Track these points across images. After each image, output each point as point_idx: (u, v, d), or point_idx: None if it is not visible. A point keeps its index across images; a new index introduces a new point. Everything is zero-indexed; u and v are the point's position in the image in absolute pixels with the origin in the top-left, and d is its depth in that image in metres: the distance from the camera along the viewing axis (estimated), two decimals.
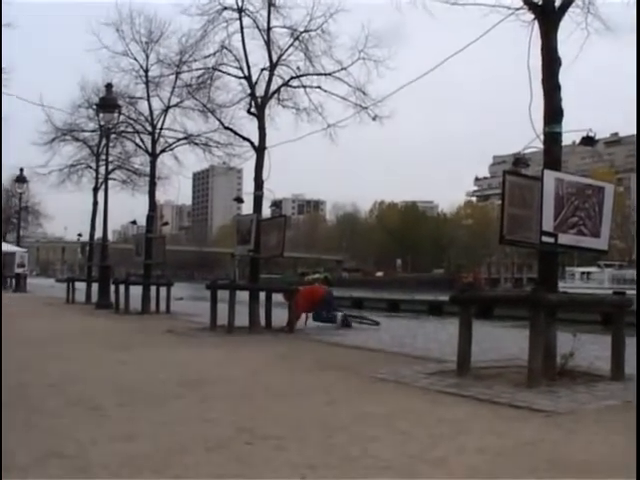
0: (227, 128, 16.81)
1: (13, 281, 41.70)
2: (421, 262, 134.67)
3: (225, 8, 15.13)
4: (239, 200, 20.09)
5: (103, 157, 24.96)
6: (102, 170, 25.59)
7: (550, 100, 7.75)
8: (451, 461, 4.38)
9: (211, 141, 19.89)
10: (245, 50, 15.09)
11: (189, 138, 20.48)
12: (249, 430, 5.10)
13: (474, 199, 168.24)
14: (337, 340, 12.25)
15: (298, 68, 15.42)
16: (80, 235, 34.41)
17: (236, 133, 16.61)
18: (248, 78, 15.18)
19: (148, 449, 4.59)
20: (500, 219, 7.79)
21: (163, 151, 21.26)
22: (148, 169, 22.33)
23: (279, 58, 15.28)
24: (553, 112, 7.76)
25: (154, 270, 22.85)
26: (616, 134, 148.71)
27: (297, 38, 15.32)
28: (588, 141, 8.12)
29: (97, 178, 26.99)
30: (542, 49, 7.81)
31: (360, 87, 15.30)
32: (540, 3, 7.91)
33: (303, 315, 15.04)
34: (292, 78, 15.47)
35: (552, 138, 7.80)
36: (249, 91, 15.27)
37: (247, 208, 16.89)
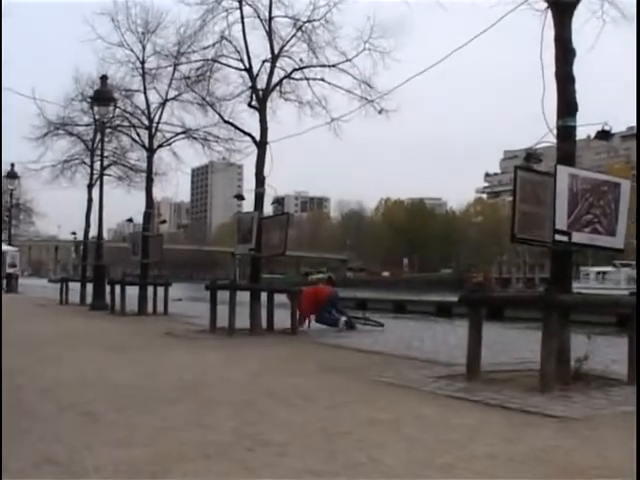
0: (227, 122, 16.83)
1: (4, 282, 41.76)
2: (429, 261, 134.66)
3: None
4: (240, 197, 20.12)
5: (98, 152, 24.99)
6: (97, 166, 25.63)
7: (564, 92, 7.73)
8: (459, 468, 4.38)
9: (210, 136, 19.92)
10: (246, 41, 15.10)
11: (187, 132, 20.49)
12: (250, 436, 5.10)
13: (484, 196, 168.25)
14: (341, 342, 12.25)
15: (301, 60, 15.43)
16: (74, 233, 34.55)
17: (236, 127, 16.62)
18: (249, 70, 15.18)
19: (145, 455, 4.59)
20: (511, 217, 7.77)
21: (160, 146, 21.28)
22: (145, 165, 22.37)
23: (281, 49, 15.27)
24: (567, 105, 7.74)
25: (151, 270, 22.90)
26: (632, 128, 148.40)
27: (300, 28, 15.31)
28: (603, 135, 8.10)
29: (92, 174, 27.00)
30: (555, 39, 7.78)
31: (365, 79, 15.32)
32: None
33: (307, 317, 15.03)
34: (295, 70, 15.47)
35: (566, 132, 7.77)
36: (250, 84, 15.26)
37: (248, 205, 16.96)
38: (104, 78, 21.49)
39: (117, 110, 22.40)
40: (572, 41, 7.78)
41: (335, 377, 8.16)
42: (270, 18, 15.12)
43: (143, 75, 20.36)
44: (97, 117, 23.16)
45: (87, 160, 27.38)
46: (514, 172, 7.84)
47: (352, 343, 12.13)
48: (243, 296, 14.54)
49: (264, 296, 14.52)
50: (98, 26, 20.06)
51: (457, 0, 8.51)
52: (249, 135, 15.53)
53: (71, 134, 26.67)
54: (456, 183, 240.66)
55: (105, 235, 26.30)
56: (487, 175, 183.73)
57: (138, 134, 21.97)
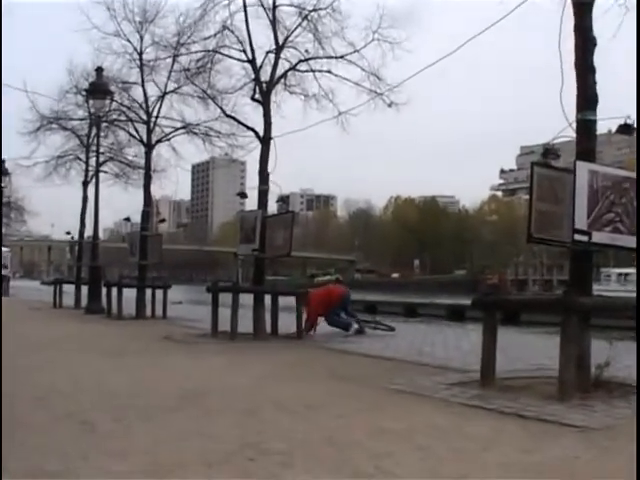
0: (229, 116, 16.84)
1: None
2: (441, 262, 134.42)
3: None
4: (242, 195, 20.14)
5: (93, 148, 25.02)
6: (92, 162, 25.67)
7: (583, 84, 7.71)
8: (472, 478, 4.39)
9: (212, 130, 19.90)
10: (249, 31, 15.08)
11: (187, 127, 20.49)
12: (253, 445, 5.11)
13: (499, 193, 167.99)
14: (349, 348, 12.25)
15: (307, 51, 15.42)
16: (68, 233, 34.65)
17: (239, 122, 16.62)
18: (252, 62, 15.17)
19: (144, 465, 4.61)
20: (528, 215, 7.76)
21: (159, 141, 21.28)
22: (143, 161, 22.36)
23: (286, 40, 15.27)
24: (586, 98, 7.72)
25: (149, 271, 22.89)
26: None
27: (305, 17, 15.30)
28: (625, 129, 8.09)
29: (87, 171, 27.04)
30: (575, 28, 7.76)
31: (374, 71, 15.31)
32: None
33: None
34: (300, 61, 15.46)
35: (585, 126, 7.76)
36: (253, 76, 15.26)
37: (251, 204, 16.97)
38: (100, 70, 21.50)
39: (113, 104, 22.38)
40: (592, 30, 7.76)
41: (343, 384, 8.17)
42: (274, 6, 15.12)
43: (141, 67, 20.35)
44: (92, 111, 23.13)
45: (82, 156, 27.42)
46: (531, 168, 7.83)
47: (361, 348, 12.13)
48: (246, 299, 14.54)
49: (268, 299, 14.53)
50: (93, 15, 20.05)
51: None
52: (252, 130, 15.55)
53: (65, 129, 26.69)
54: (470, 180, 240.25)
55: (101, 235, 26.30)
56: (502, 172, 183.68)
57: (136, 129, 21.99)
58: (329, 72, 15.45)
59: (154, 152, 21.47)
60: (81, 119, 26.28)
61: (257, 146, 15.20)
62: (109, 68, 21.55)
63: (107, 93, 21.60)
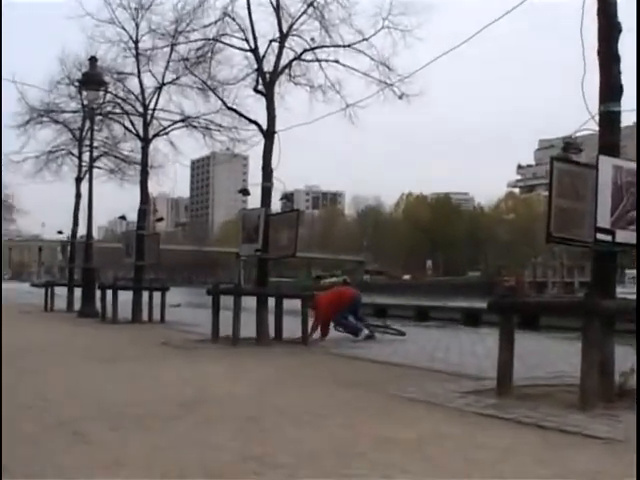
0: (230, 109, 16.83)
1: None
2: (454, 263, 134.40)
3: None
4: (244, 192, 20.21)
5: (87, 142, 25.08)
6: (86, 157, 25.76)
7: (607, 74, 7.67)
8: None
9: (212, 124, 19.95)
10: (251, 18, 15.08)
11: (187, 120, 20.53)
12: (256, 457, 5.10)
13: (516, 190, 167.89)
14: (357, 353, 12.24)
15: (312, 39, 15.42)
16: (60, 232, 34.70)
17: (241, 115, 16.62)
18: (255, 51, 15.17)
19: (140, 478, 4.60)
20: (547, 213, 7.74)
21: (157, 135, 21.32)
22: (139, 156, 22.40)
23: (290, 27, 15.25)
24: (610, 88, 7.68)
25: (146, 273, 22.94)
26: None
27: (311, 4, 15.30)
28: None
29: (80, 166, 27.10)
30: (598, 13, 7.72)
31: (384, 61, 15.31)
32: None
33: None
34: (305, 51, 15.46)
35: (609, 118, 7.72)
36: (256, 66, 15.26)
37: (254, 201, 16.95)
38: (93, 59, 21.51)
39: (108, 95, 22.45)
40: (617, 15, 7.72)
41: (350, 392, 8.16)
42: None
43: (137, 56, 20.38)
44: (86, 103, 23.23)
45: (75, 151, 27.50)
46: (550, 163, 7.81)
47: (370, 354, 12.12)
48: (249, 302, 14.53)
49: (272, 302, 14.52)
50: (86, 1, 20.10)
51: None
52: (255, 123, 15.53)
53: (57, 122, 26.76)
54: (485, 176, 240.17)
55: (95, 234, 26.33)
56: (520, 167, 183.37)
57: (132, 122, 22.03)
58: (336, 62, 15.46)
59: (151, 147, 21.56)
60: (74, 112, 26.37)
61: (260, 140, 15.22)
62: (103, 57, 21.61)
63: (101, 84, 21.64)
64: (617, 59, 7.69)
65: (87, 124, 25.11)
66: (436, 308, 44.78)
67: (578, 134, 8.52)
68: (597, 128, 7.78)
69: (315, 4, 15.27)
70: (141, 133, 21.22)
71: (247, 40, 15.20)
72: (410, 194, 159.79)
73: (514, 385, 7.84)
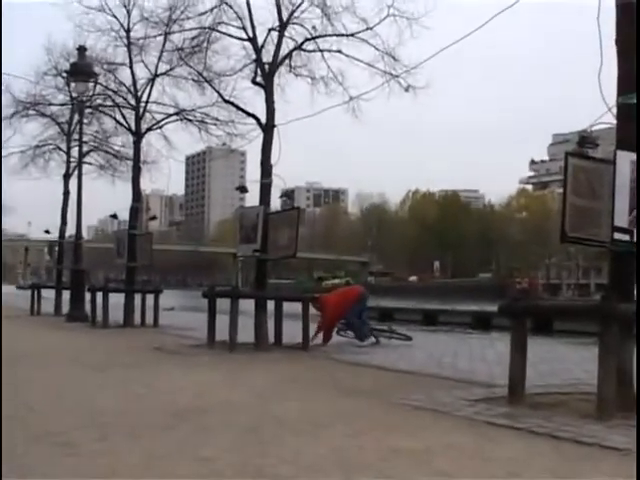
0: (227, 102, 16.84)
1: None
2: (464, 264, 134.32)
3: None
4: (242, 189, 20.16)
5: (76, 136, 25.09)
6: (75, 152, 25.74)
7: (626, 64, 7.65)
8: None
9: (208, 117, 19.96)
10: (249, 5, 15.11)
11: (181, 114, 20.53)
12: (255, 469, 5.10)
13: (529, 187, 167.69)
14: (361, 359, 12.24)
15: (314, 28, 15.41)
16: (48, 232, 34.53)
17: (238, 108, 16.62)
18: (253, 40, 15.16)
19: None
20: (562, 212, 7.74)
21: (149, 129, 21.33)
22: (131, 151, 22.43)
23: (291, 15, 15.26)
24: (629, 79, 7.66)
25: (139, 274, 22.93)
26: None
27: None
28: None
29: (68, 162, 27.10)
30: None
31: (389, 51, 15.30)
32: None
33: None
34: (307, 40, 15.45)
35: (627, 111, 7.70)
36: (254, 56, 15.26)
37: (252, 199, 16.93)
38: (82, 49, 21.51)
39: (98, 87, 22.45)
40: (637, 1, 7.69)
41: (354, 400, 8.15)
42: None
43: (128, 46, 20.39)
44: (74, 95, 23.23)
45: (63, 145, 27.51)
46: (565, 159, 7.81)
47: (374, 360, 12.12)
48: (246, 305, 14.53)
49: (271, 305, 14.52)
50: None
51: None
52: (253, 117, 15.54)
53: (44, 115, 26.76)
54: (496, 172, 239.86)
55: (84, 234, 26.36)
56: (533, 163, 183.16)
57: (123, 115, 22.04)
58: (339, 52, 15.46)
59: (144, 141, 21.57)
60: (61, 104, 26.37)
61: (259, 135, 15.22)
62: (93, 47, 21.62)
63: (90, 75, 21.64)
64: (636, 47, 7.65)
65: (76, 117, 25.13)
66: (444, 312, 44.75)
67: (594, 128, 8.50)
68: (614, 121, 7.77)
69: None
70: (133, 127, 21.23)
71: (245, 29, 15.21)
72: (417, 191, 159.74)
73: (527, 393, 7.84)
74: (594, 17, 7.82)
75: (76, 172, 24.19)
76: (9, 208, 54.28)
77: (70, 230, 26.88)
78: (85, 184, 23.20)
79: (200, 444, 5.92)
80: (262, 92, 15.01)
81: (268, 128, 14.78)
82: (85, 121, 24.14)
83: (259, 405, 7.87)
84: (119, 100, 21.91)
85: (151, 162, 23.70)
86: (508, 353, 8.08)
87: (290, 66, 15.62)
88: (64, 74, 23.69)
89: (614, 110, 7.73)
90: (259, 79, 15.06)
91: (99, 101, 23.56)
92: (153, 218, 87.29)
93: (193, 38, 16.42)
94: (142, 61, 20.34)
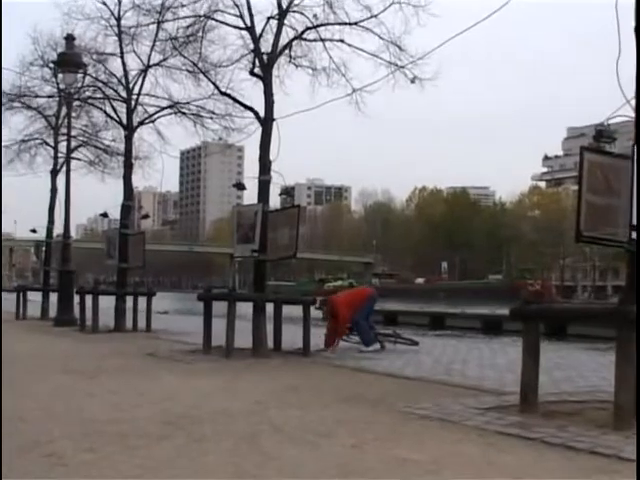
0: (224, 94, 16.83)
1: None
2: (473, 266, 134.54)
3: None
4: (240, 186, 20.17)
5: (64, 130, 25.08)
6: (63, 147, 25.73)
7: None
8: None
9: (203, 110, 19.96)
10: None
11: (175, 106, 20.52)
12: None
13: (542, 184, 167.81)
14: (364, 365, 12.25)
15: (315, 16, 15.40)
16: (34, 231, 34.59)
17: (236, 100, 16.62)
18: (251, 29, 15.16)
19: None
20: (576, 210, 7.73)
21: (142, 123, 21.31)
22: (122, 146, 22.43)
23: (291, 3, 15.25)
24: None
25: (130, 276, 22.93)
26: None
27: None
28: None
29: (56, 157, 27.10)
30: None
31: (395, 40, 15.28)
32: None
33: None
34: (307, 29, 15.44)
35: None
36: (252, 46, 15.25)
37: (250, 197, 16.93)
38: (70, 38, 21.48)
39: (87, 78, 22.46)
40: None
41: (357, 408, 8.16)
42: None
43: (119, 35, 20.35)
44: (62, 87, 23.22)
45: (50, 140, 27.50)
46: (580, 154, 7.80)
47: (378, 366, 12.13)
48: (244, 308, 14.53)
49: (270, 308, 14.52)
50: None
51: None
52: (251, 110, 15.54)
53: (30, 107, 26.75)
54: (507, 168, 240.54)
55: (73, 233, 26.37)
56: (546, 158, 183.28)
57: (114, 108, 22.00)
58: (341, 41, 15.44)
59: (135, 136, 21.55)
60: (48, 96, 26.33)
61: (257, 129, 15.22)
62: (81, 36, 21.58)
63: (79, 66, 21.61)
64: (636, 46, 7.63)
65: (64, 110, 25.11)
66: (453, 315, 44.82)
67: (611, 121, 8.50)
68: (633, 114, 7.76)
69: None
70: (124, 121, 21.20)
71: (242, 17, 15.19)
72: (423, 188, 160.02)
73: (539, 401, 7.84)
74: (613, 4, 7.81)
75: (64, 168, 24.14)
76: None
77: (58, 229, 26.94)
78: (74, 181, 23.27)
79: (195, 455, 5.92)
80: (260, 84, 15.00)
81: (267, 122, 14.78)
82: (73, 114, 24.16)
83: (257, 413, 7.87)
84: (109, 92, 21.88)
85: (143, 158, 23.76)
86: (520, 359, 8.08)
87: (290, 56, 15.62)
88: (51, 64, 23.68)
89: (633, 102, 7.71)
90: (257, 70, 15.05)
91: (88, 93, 23.55)
92: (146, 217, 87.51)
93: (188, 27, 16.42)
94: (134, 51, 20.32)
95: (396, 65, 15.31)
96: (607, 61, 7.77)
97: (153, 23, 18.31)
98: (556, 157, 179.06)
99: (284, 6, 15.08)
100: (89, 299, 20.76)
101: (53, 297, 25.27)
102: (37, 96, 26.31)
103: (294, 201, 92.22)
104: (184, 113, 20.42)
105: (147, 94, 20.72)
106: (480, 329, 37.68)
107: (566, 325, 28.24)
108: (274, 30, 15.09)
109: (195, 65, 17.10)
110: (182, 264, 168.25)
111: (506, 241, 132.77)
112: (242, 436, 6.65)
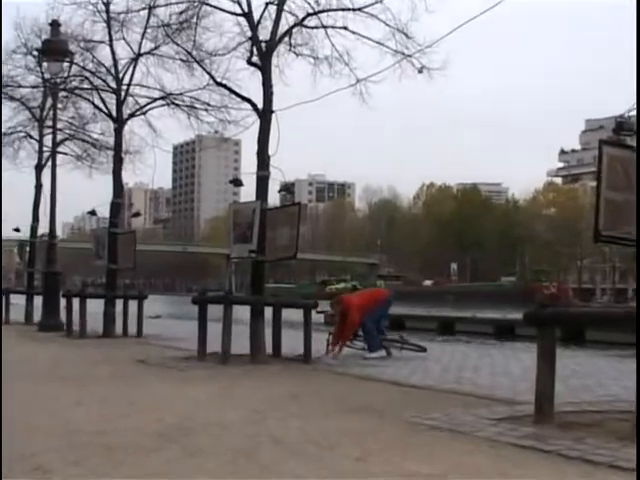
0: (220, 84, 16.83)
1: None
2: (484, 267, 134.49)
3: None
4: (237, 183, 20.13)
5: (49, 123, 25.05)
6: (48, 141, 25.67)
7: None
8: None
9: (198, 102, 19.95)
10: None
11: (168, 98, 20.51)
12: None
13: (558, 180, 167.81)
14: (369, 373, 12.25)
15: (316, 1, 15.40)
16: (17, 230, 34.57)
17: (232, 91, 16.61)
18: (248, 15, 15.15)
19: None
20: (595, 208, 7.74)
21: (132, 115, 21.33)
22: (111, 140, 22.44)
23: None
24: None
25: (120, 278, 22.93)
26: None
27: None
28: None
29: (41, 152, 27.06)
30: None
31: (401, 27, 15.26)
32: None
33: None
34: (308, 15, 15.43)
35: None
36: (249, 33, 15.24)
37: (247, 194, 16.93)
38: (55, 24, 21.43)
39: (74, 67, 22.41)
40: None
41: (362, 418, 8.16)
42: None
43: (108, 21, 20.34)
44: (47, 76, 23.18)
45: (34, 133, 27.47)
46: (599, 148, 7.81)
47: (384, 374, 12.13)
48: (242, 312, 14.52)
49: (269, 312, 14.53)
50: None
51: None
52: (249, 101, 15.54)
53: (12, 98, 26.68)
54: (521, 163, 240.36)
55: (59, 232, 26.38)
56: (562, 152, 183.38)
57: (102, 99, 21.99)
58: (344, 28, 15.42)
59: (126, 129, 21.56)
60: (33, 87, 26.26)
61: (255, 122, 15.21)
62: (67, 22, 21.55)
63: (65, 54, 21.56)
64: (636, 46, 7.63)
65: (49, 101, 25.09)
66: (463, 320, 44.86)
67: (632, 112, 8.50)
68: None
69: None
70: (114, 112, 21.20)
71: (239, 2, 15.18)
72: (432, 185, 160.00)
73: (555, 411, 7.83)
74: None
75: (49, 163, 24.13)
76: None
77: (43, 228, 26.91)
78: (60, 176, 23.20)
79: (189, 469, 5.92)
80: (258, 74, 14.99)
81: (265, 114, 14.77)
82: (59, 106, 24.11)
83: (255, 424, 7.87)
84: (98, 82, 21.85)
85: (134, 152, 23.73)
86: (534, 366, 8.07)
87: (290, 44, 15.60)
88: (35, 52, 23.65)
89: None
90: (255, 59, 15.04)
91: (75, 83, 23.50)
92: (136, 215, 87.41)
93: (181, 12, 16.41)
94: (123, 38, 20.32)
95: (403, 54, 15.30)
96: (628, 49, 7.76)
97: (144, 9, 18.30)
98: (573, 151, 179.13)
99: None
100: (76, 302, 20.73)
101: (38, 300, 25.24)
102: (20, 86, 26.23)
103: (294, 198, 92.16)
104: (177, 105, 20.42)
105: (138, 84, 20.75)
106: (492, 334, 37.69)
107: (584, 330, 28.27)
108: (273, 16, 15.07)
109: (189, 54, 17.09)
110: (175, 265, 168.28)
111: (520, 241, 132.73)
112: (239, 449, 6.65)
